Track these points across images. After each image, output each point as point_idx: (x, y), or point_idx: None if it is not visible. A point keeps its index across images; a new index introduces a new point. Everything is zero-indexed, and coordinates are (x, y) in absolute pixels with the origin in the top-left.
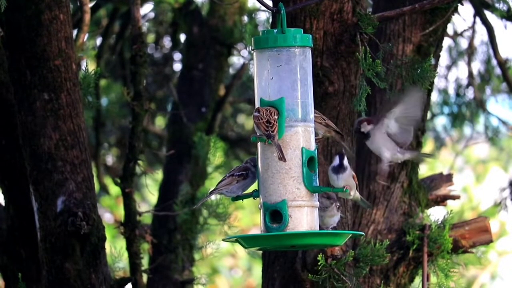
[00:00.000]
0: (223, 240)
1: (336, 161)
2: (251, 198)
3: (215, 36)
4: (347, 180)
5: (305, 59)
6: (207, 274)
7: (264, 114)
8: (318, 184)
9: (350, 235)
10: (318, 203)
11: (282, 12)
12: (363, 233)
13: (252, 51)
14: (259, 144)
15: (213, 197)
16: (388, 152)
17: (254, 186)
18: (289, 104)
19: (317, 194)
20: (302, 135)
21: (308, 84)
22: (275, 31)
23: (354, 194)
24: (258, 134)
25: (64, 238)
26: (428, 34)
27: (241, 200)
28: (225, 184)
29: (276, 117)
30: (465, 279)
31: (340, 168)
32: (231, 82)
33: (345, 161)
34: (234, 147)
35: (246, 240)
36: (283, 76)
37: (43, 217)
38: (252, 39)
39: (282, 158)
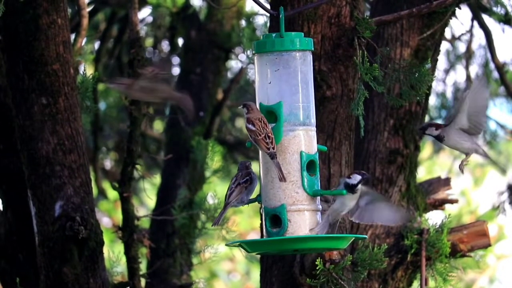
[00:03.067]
0: (226, 245)
1: (356, 179)
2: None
3: (213, 40)
4: (354, 201)
5: (305, 63)
6: (205, 278)
7: (261, 128)
8: (319, 188)
9: (353, 238)
10: (320, 206)
11: (280, 16)
12: (365, 236)
13: (253, 55)
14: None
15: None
16: (466, 144)
17: (257, 191)
18: (289, 108)
19: (318, 197)
20: (302, 138)
21: (309, 88)
22: (273, 35)
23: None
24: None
25: (62, 242)
26: (426, 38)
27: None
28: (236, 195)
29: (270, 129)
30: (464, 283)
31: (355, 188)
32: (229, 86)
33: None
34: (232, 151)
35: (249, 245)
36: (283, 80)
37: (41, 222)
38: (253, 43)
39: (282, 178)
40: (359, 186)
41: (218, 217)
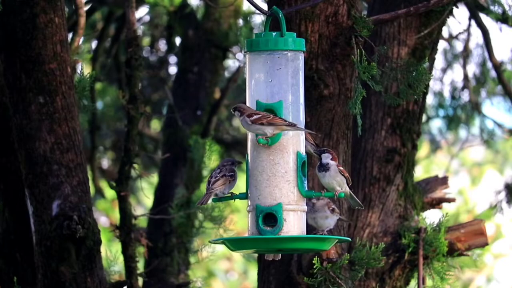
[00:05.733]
0: (210, 241)
1: (320, 159)
2: (247, 200)
3: (211, 39)
4: (333, 176)
5: (300, 63)
6: (203, 277)
7: (265, 113)
8: (307, 189)
9: (336, 240)
10: (306, 207)
11: (280, 15)
12: (349, 239)
13: (246, 53)
14: (250, 146)
15: (208, 200)
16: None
17: (236, 189)
18: (284, 108)
19: (306, 198)
20: (296, 139)
21: (300, 88)
22: (274, 34)
23: (344, 189)
24: (268, 132)
25: (60, 241)
26: (423, 37)
27: (232, 201)
28: (221, 184)
29: None
30: (461, 282)
31: (322, 167)
32: (227, 85)
33: (326, 159)
34: (230, 150)
35: (233, 243)
36: (280, 79)
37: (39, 221)
38: (247, 41)
39: (315, 133)
40: (324, 159)
41: (202, 199)
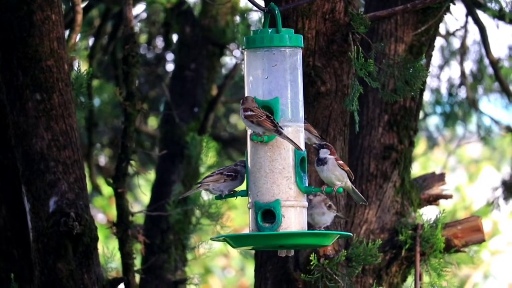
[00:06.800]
0: (211, 239)
1: (318, 154)
2: (245, 198)
3: (208, 36)
4: (332, 170)
5: (297, 60)
6: (200, 274)
7: (259, 111)
8: (307, 185)
9: (338, 235)
10: (306, 203)
11: (276, 12)
12: (351, 234)
13: (243, 50)
14: (249, 143)
15: (205, 197)
16: None
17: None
18: (281, 104)
19: (306, 194)
20: (293, 135)
21: (299, 85)
22: (270, 30)
23: (345, 183)
24: (259, 132)
25: (57, 238)
26: (420, 34)
27: (233, 198)
28: (212, 180)
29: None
30: (458, 279)
31: (320, 161)
32: (224, 82)
33: (324, 154)
34: (227, 147)
35: (234, 240)
36: (277, 76)
37: (36, 218)
38: (245, 38)
39: (299, 148)
40: (322, 154)
41: (187, 193)
